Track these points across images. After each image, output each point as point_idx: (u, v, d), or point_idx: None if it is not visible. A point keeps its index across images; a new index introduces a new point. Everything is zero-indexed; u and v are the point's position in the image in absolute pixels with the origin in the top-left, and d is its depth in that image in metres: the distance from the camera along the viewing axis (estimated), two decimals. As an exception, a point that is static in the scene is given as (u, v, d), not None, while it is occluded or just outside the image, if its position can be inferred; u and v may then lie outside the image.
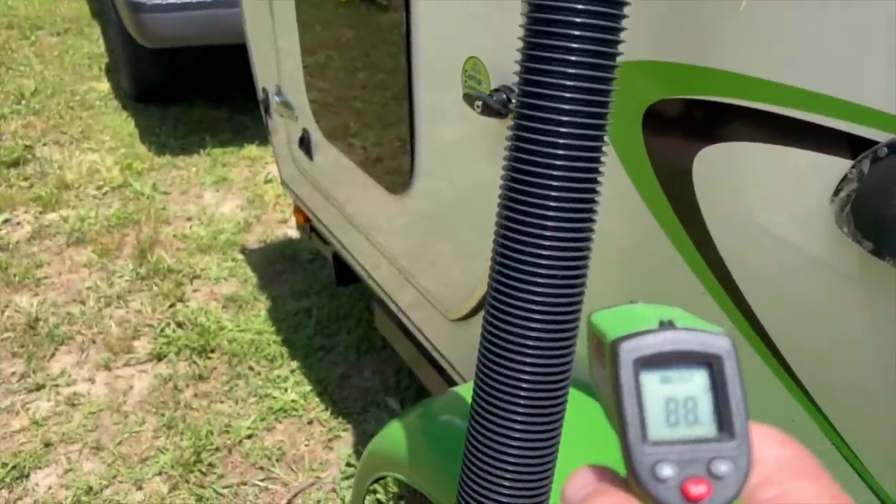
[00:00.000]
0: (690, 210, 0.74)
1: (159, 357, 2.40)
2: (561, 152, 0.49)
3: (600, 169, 0.52)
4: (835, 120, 0.59)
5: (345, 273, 2.03)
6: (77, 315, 2.59)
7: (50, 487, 1.96)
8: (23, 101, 4.35)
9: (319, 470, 2.01)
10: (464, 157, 1.17)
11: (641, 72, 0.73)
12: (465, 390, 1.07)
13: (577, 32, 0.48)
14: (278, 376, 2.31)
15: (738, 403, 0.29)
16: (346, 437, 2.11)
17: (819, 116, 0.60)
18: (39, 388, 2.28)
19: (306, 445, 2.08)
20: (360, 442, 2.08)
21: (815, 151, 0.61)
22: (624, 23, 0.50)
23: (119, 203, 3.33)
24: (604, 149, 0.51)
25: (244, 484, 1.97)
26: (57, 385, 2.30)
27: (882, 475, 0.65)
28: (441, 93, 1.16)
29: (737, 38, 0.65)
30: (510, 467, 0.54)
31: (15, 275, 2.80)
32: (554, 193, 0.50)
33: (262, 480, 1.98)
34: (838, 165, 0.59)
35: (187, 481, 1.96)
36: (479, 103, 0.95)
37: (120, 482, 1.97)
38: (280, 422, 2.15)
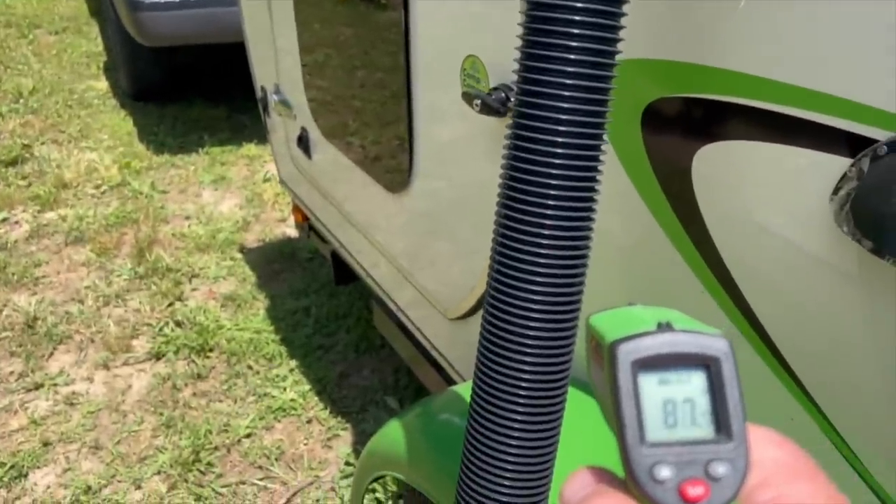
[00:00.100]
0: (689, 209, 0.74)
1: (158, 356, 2.40)
2: (560, 151, 0.49)
3: (599, 168, 0.51)
4: (834, 118, 0.59)
5: (343, 272, 2.03)
6: (75, 314, 2.59)
7: (48, 487, 1.96)
8: (21, 100, 4.34)
9: (318, 469, 2.01)
10: (462, 155, 1.17)
11: (640, 70, 0.73)
12: (464, 389, 1.07)
13: (576, 31, 0.48)
14: (277, 375, 2.31)
15: (736, 405, 0.29)
16: (345, 436, 2.10)
17: (818, 115, 0.60)
18: (38, 387, 2.28)
19: (305, 444, 2.08)
20: (359, 441, 2.08)
21: (815, 150, 0.61)
22: (623, 21, 0.49)
23: (117, 202, 3.32)
24: (603, 147, 0.51)
25: (243, 483, 1.97)
26: (55, 384, 2.29)
27: (882, 475, 0.65)
28: (440, 91, 1.16)
29: (736, 36, 0.65)
30: (509, 466, 0.54)
31: (13, 274, 2.80)
32: (553, 192, 0.50)
33: (260, 479, 1.98)
34: (838, 164, 0.59)
35: (186, 480, 1.96)
36: (478, 102, 0.95)
37: (119, 481, 1.96)
38: (279, 421, 2.15)
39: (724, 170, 0.70)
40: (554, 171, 0.49)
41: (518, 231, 0.51)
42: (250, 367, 2.34)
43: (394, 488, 1.88)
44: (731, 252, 0.72)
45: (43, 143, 3.86)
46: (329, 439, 2.09)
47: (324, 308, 2.60)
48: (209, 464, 2.01)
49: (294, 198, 2.15)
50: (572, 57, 0.48)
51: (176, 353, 2.40)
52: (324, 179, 1.82)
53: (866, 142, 0.57)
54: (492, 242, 0.53)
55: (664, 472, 0.28)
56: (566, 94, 0.48)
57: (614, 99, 0.51)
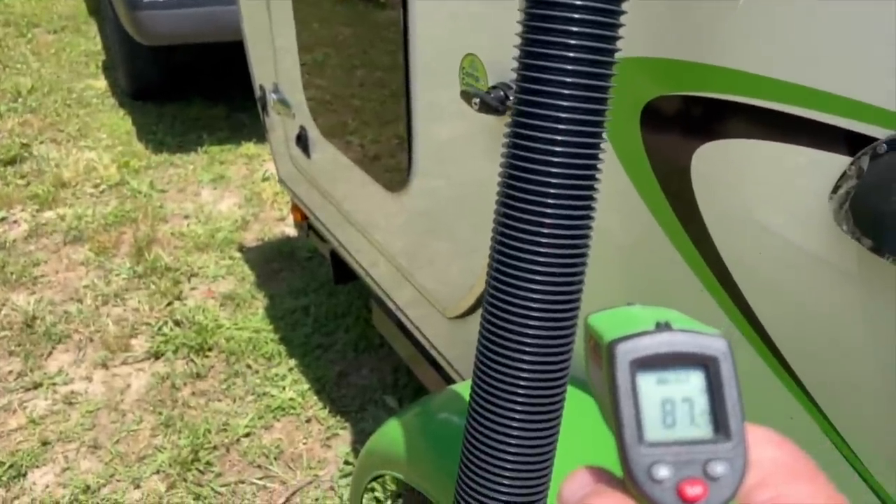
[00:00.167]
0: (689, 207, 0.74)
1: (157, 355, 2.40)
2: (559, 149, 0.49)
3: (598, 166, 0.51)
4: (834, 116, 0.59)
5: (342, 271, 2.03)
6: (74, 313, 2.59)
7: (47, 486, 1.95)
8: (19, 99, 4.34)
9: (317, 468, 2.01)
10: (461, 154, 1.16)
11: (639, 68, 0.73)
12: (463, 388, 1.07)
13: (575, 29, 0.48)
14: (276, 374, 2.30)
15: (734, 405, 0.29)
16: (344, 436, 2.10)
17: (818, 113, 0.60)
18: (37, 386, 2.28)
19: (304, 444, 2.08)
20: (358, 440, 2.08)
21: (814, 148, 0.61)
22: (622, 19, 0.49)
23: (116, 201, 3.32)
24: (602, 146, 0.51)
25: (242, 482, 1.97)
26: (54, 384, 2.29)
27: (882, 474, 0.65)
28: (439, 90, 1.16)
29: (735, 34, 0.65)
30: (508, 466, 0.54)
31: (12, 273, 2.79)
32: (552, 191, 0.49)
33: (259, 479, 1.98)
34: (837, 162, 0.59)
35: (185, 480, 1.96)
36: (477, 100, 0.95)
37: (117, 481, 1.96)
38: (278, 420, 2.15)
39: (724, 168, 0.70)
40: (553, 170, 0.49)
41: (517, 230, 0.51)
42: (249, 367, 2.34)
43: (393, 487, 1.88)
44: (730, 251, 0.72)
45: (41, 143, 3.85)
46: (328, 438, 2.09)
47: (323, 307, 2.60)
48: (208, 463, 2.01)
49: (293, 197, 2.15)
50: (571, 55, 0.48)
51: (175, 352, 2.40)
52: (323, 178, 1.82)
53: (866, 140, 0.56)
54: (491, 241, 0.53)
55: (662, 472, 0.28)
56: (565, 92, 0.48)
57: (613, 97, 0.51)
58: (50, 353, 2.42)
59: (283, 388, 2.24)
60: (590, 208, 0.52)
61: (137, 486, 1.95)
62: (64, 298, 2.68)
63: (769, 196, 0.67)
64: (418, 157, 1.29)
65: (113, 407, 2.21)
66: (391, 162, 1.39)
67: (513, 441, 0.53)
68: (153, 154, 3.74)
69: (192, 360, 2.36)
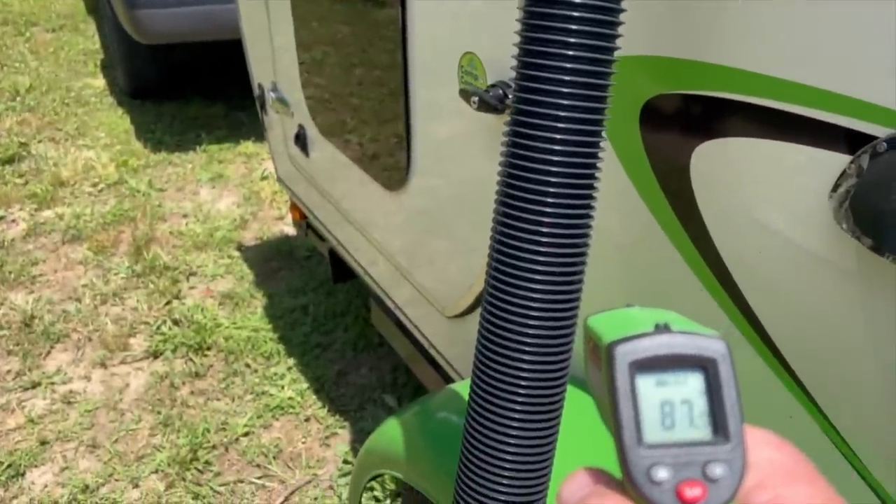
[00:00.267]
0: (688, 206, 0.74)
1: (155, 354, 2.40)
2: (558, 148, 0.49)
3: (598, 165, 0.51)
4: (833, 115, 0.58)
5: (341, 270, 2.03)
6: (73, 313, 2.58)
7: (46, 486, 1.95)
8: (18, 98, 4.33)
9: (316, 467, 2.01)
10: (460, 153, 1.16)
11: (639, 67, 0.73)
12: (463, 387, 1.07)
13: (574, 27, 0.47)
14: (275, 374, 2.30)
15: (733, 406, 0.29)
16: (344, 435, 2.10)
17: (818, 111, 0.59)
18: (35, 386, 2.27)
19: (303, 443, 2.08)
20: (358, 439, 2.07)
21: (814, 147, 0.61)
22: (621, 17, 0.49)
23: (115, 200, 3.32)
24: (601, 144, 0.51)
25: (241, 482, 1.96)
26: (53, 383, 2.29)
27: (882, 474, 0.65)
28: (437, 89, 1.16)
29: (735, 32, 0.65)
30: (507, 465, 0.54)
31: (10, 272, 2.79)
32: (551, 190, 0.49)
33: (258, 478, 1.97)
34: (837, 161, 0.58)
35: (184, 479, 1.95)
36: (476, 99, 0.95)
37: (116, 480, 1.96)
38: (277, 419, 2.15)
39: (723, 167, 0.70)
40: (552, 169, 0.49)
41: (516, 228, 0.50)
42: (248, 366, 2.34)
43: (392, 487, 1.88)
44: (729, 250, 0.72)
45: (40, 142, 3.85)
46: (327, 438, 2.09)
47: (322, 306, 2.60)
48: (207, 462, 2.01)
49: (292, 196, 2.15)
50: (571, 53, 0.48)
51: (174, 351, 2.40)
52: (321, 177, 1.81)
53: (866, 138, 0.56)
54: (490, 240, 0.53)
55: (661, 474, 0.28)
56: (565, 90, 0.48)
57: (613, 96, 0.50)
58: (48, 353, 2.42)
59: (282, 388, 2.24)
60: (589, 207, 0.51)
61: (136, 486, 1.94)
62: (62, 297, 2.68)
63: (769, 195, 0.67)
64: (417, 155, 1.29)
65: (111, 406, 2.20)
66: (390, 161, 1.38)
67: (512, 441, 0.53)
68: (152, 153, 3.74)
69: (191, 360, 2.36)
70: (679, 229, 0.75)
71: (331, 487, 1.95)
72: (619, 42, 0.50)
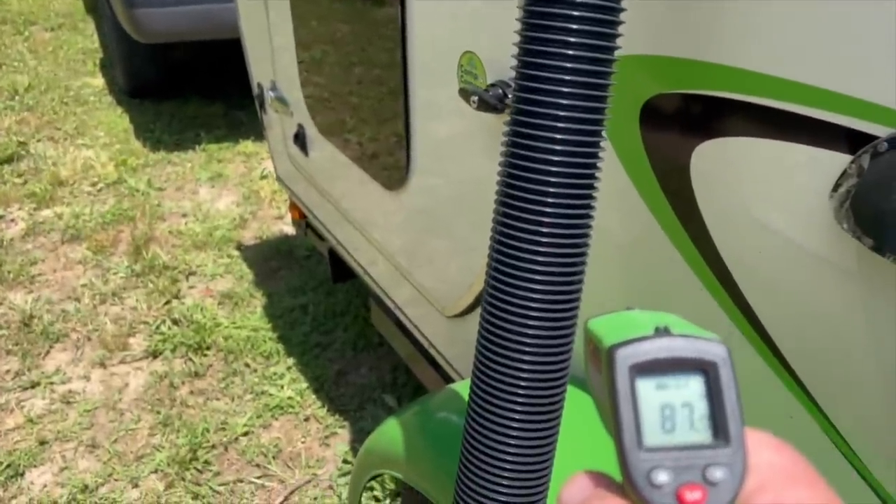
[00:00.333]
0: (688, 206, 0.74)
1: (155, 354, 2.39)
2: (558, 148, 0.49)
3: (598, 164, 0.51)
4: (834, 114, 0.58)
5: (341, 269, 2.03)
6: (72, 312, 2.58)
7: (45, 486, 1.95)
8: (16, 97, 4.33)
9: (316, 467, 2.00)
10: (460, 152, 1.16)
11: (639, 66, 0.73)
12: (462, 387, 1.07)
13: (574, 26, 0.47)
14: (274, 373, 2.30)
15: (734, 410, 0.29)
16: (343, 434, 2.10)
17: (818, 111, 0.59)
18: (34, 385, 2.27)
19: (303, 442, 2.08)
20: (357, 439, 2.07)
21: (815, 146, 0.60)
22: (622, 16, 0.49)
23: (114, 199, 3.31)
24: (602, 144, 0.51)
25: (240, 481, 1.96)
26: (52, 383, 2.29)
27: (882, 474, 0.65)
28: (437, 88, 1.16)
29: (735, 31, 0.65)
30: (508, 465, 0.53)
31: (9, 272, 2.79)
32: (551, 189, 0.49)
33: (258, 478, 1.97)
34: (838, 160, 0.58)
35: (183, 479, 1.95)
36: (475, 98, 0.95)
37: (115, 480, 1.96)
38: (276, 419, 2.15)
39: (723, 167, 0.70)
40: (552, 168, 0.49)
41: (516, 228, 0.50)
42: (247, 365, 2.34)
43: (392, 486, 1.88)
44: (729, 250, 0.72)
45: (39, 141, 3.84)
46: (327, 437, 2.09)
47: (321, 306, 2.59)
48: (206, 462, 2.00)
49: (291, 195, 2.15)
50: (571, 53, 0.48)
51: (173, 351, 2.40)
52: (321, 176, 1.81)
53: (866, 138, 0.56)
54: (490, 240, 0.53)
55: (662, 477, 0.28)
56: (565, 90, 0.48)
57: (613, 95, 0.50)
58: (47, 353, 2.41)
59: (282, 387, 2.24)
60: (589, 207, 0.51)
61: (136, 486, 1.94)
62: (61, 297, 2.67)
63: (769, 194, 0.67)
64: (417, 155, 1.29)
65: (111, 406, 2.20)
66: (389, 160, 1.38)
67: (512, 441, 0.53)
68: (151, 152, 3.73)
69: (191, 359, 2.36)
70: (679, 229, 0.75)
71: (330, 487, 1.95)
72: (619, 41, 0.50)
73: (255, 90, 2.07)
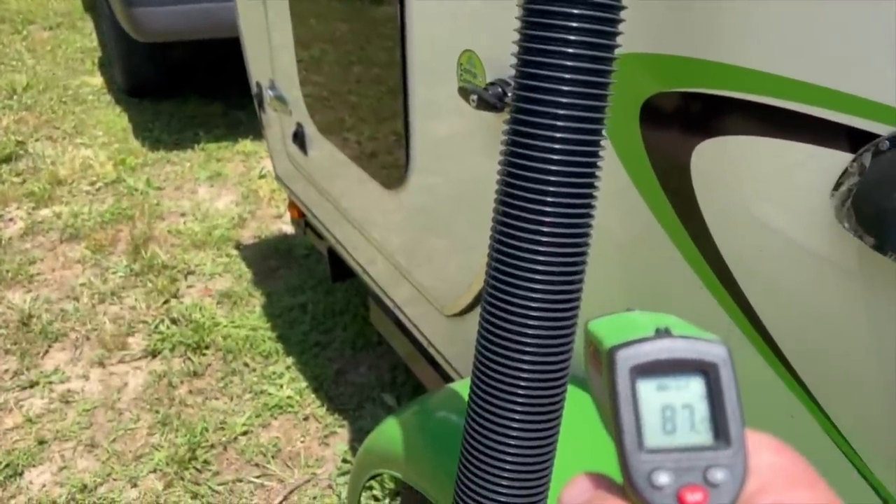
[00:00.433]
0: (689, 205, 0.73)
1: (154, 354, 2.39)
2: (559, 146, 0.49)
3: (598, 163, 0.51)
4: (835, 113, 0.58)
5: (340, 268, 2.02)
6: (71, 312, 2.58)
7: (44, 485, 1.95)
8: (15, 97, 4.32)
9: (315, 466, 2.00)
10: (459, 151, 1.16)
11: (639, 65, 0.72)
12: (462, 387, 1.07)
13: (574, 24, 0.47)
14: (273, 372, 2.30)
15: (734, 411, 0.29)
16: (342, 434, 2.10)
17: (819, 109, 0.59)
18: (33, 385, 2.27)
19: (302, 442, 2.07)
20: (356, 438, 2.07)
21: (816, 145, 0.60)
22: (622, 14, 0.49)
23: (112, 199, 3.31)
24: (602, 143, 0.51)
25: (240, 481, 1.96)
26: (51, 382, 2.28)
27: (883, 474, 0.65)
28: (436, 87, 1.15)
29: (735, 29, 0.65)
30: (508, 465, 0.53)
31: (8, 271, 2.78)
32: (552, 188, 0.49)
33: (257, 477, 1.97)
34: (839, 159, 0.58)
35: (182, 479, 1.95)
36: (475, 97, 0.94)
37: (114, 480, 1.96)
38: (275, 418, 2.15)
39: (724, 165, 0.70)
40: (553, 167, 0.49)
41: (517, 227, 0.50)
42: (247, 365, 2.34)
43: (391, 486, 1.88)
44: (730, 249, 0.71)
45: (37, 140, 3.84)
46: (326, 437, 2.09)
47: (320, 305, 2.59)
48: (205, 462, 2.00)
49: (290, 194, 2.15)
50: (571, 51, 0.47)
51: (172, 350, 2.39)
52: (320, 175, 1.81)
53: (868, 136, 0.56)
54: (490, 239, 0.53)
55: (662, 479, 0.28)
56: (565, 88, 0.48)
57: (613, 94, 0.50)
58: (46, 352, 2.41)
59: (281, 387, 2.24)
60: (590, 206, 0.51)
61: (134, 485, 1.94)
62: (60, 297, 2.67)
63: (770, 193, 0.67)
64: (416, 154, 1.28)
65: (110, 405, 2.20)
66: (388, 159, 1.38)
67: (512, 441, 0.53)
68: (149, 151, 3.73)
69: (190, 359, 2.36)
70: (679, 228, 0.75)
71: (330, 486, 1.95)
72: (619, 39, 0.49)
73: (254, 89, 2.07)
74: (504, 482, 0.54)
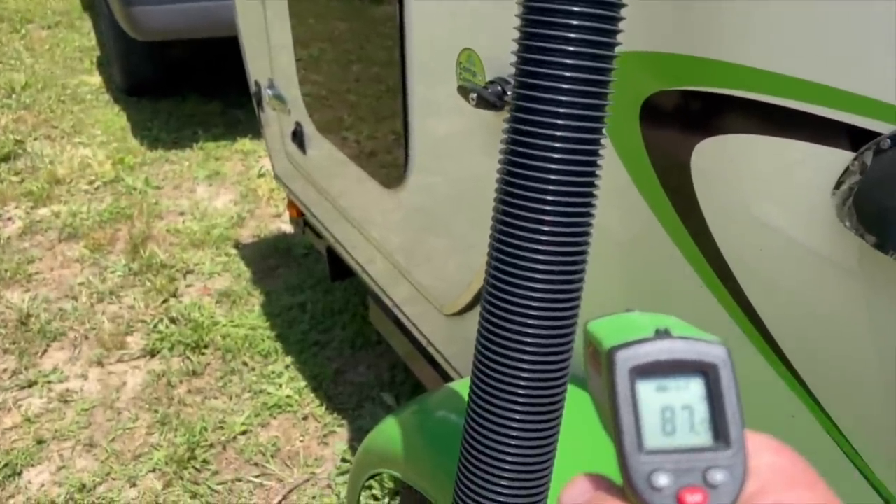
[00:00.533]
0: (689, 203, 0.73)
1: (152, 353, 2.39)
2: (558, 145, 0.48)
3: (598, 162, 0.51)
4: (836, 111, 0.58)
5: (339, 268, 2.02)
6: (69, 311, 2.58)
7: (43, 485, 1.94)
8: (13, 96, 4.32)
9: (314, 466, 2.00)
10: (458, 150, 1.16)
11: (639, 63, 0.72)
12: (461, 386, 1.07)
13: (574, 22, 0.47)
14: (273, 372, 2.30)
15: (734, 412, 0.29)
16: (342, 433, 2.10)
17: (820, 107, 0.59)
18: (31, 384, 2.27)
19: (301, 441, 2.07)
20: (356, 438, 2.07)
21: (817, 143, 0.60)
22: (622, 12, 0.48)
23: (111, 198, 3.31)
24: (602, 141, 0.50)
25: (239, 480, 1.96)
26: (49, 382, 2.28)
27: (884, 474, 0.65)
28: (435, 86, 1.15)
29: (735, 27, 0.64)
30: (508, 465, 0.53)
31: (6, 270, 2.78)
32: (552, 187, 0.49)
33: (256, 477, 1.97)
34: (840, 158, 0.58)
35: (181, 478, 1.95)
36: (474, 96, 0.94)
37: (113, 479, 1.95)
38: (275, 418, 2.14)
39: (724, 164, 0.70)
40: (553, 166, 0.49)
41: (516, 226, 0.50)
42: (246, 364, 2.33)
43: (390, 485, 1.88)
44: (730, 247, 0.71)
45: (36, 139, 3.83)
46: (325, 436, 2.09)
47: (319, 304, 2.59)
48: (205, 461, 2.00)
49: (289, 193, 2.14)
50: (571, 49, 0.47)
51: (171, 349, 2.39)
52: (319, 174, 1.81)
53: (869, 135, 0.56)
54: (489, 238, 0.53)
55: (662, 480, 0.28)
56: (565, 87, 0.48)
57: (613, 92, 0.50)
58: (45, 351, 2.41)
59: (280, 386, 2.24)
60: (590, 205, 0.51)
61: (133, 485, 1.94)
62: (59, 296, 2.67)
63: (770, 192, 0.66)
64: (415, 153, 1.28)
65: (108, 405, 2.20)
66: (388, 158, 1.38)
67: (512, 441, 0.52)
68: (148, 150, 3.73)
69: (188, 358, 2.36)
70: (680, 227, 0.75)
71: (329, 486, 1.95)
72: (619, 38, 0.49)
73: (253, 88, 2.06)
74: (504, 482, 0.54)
